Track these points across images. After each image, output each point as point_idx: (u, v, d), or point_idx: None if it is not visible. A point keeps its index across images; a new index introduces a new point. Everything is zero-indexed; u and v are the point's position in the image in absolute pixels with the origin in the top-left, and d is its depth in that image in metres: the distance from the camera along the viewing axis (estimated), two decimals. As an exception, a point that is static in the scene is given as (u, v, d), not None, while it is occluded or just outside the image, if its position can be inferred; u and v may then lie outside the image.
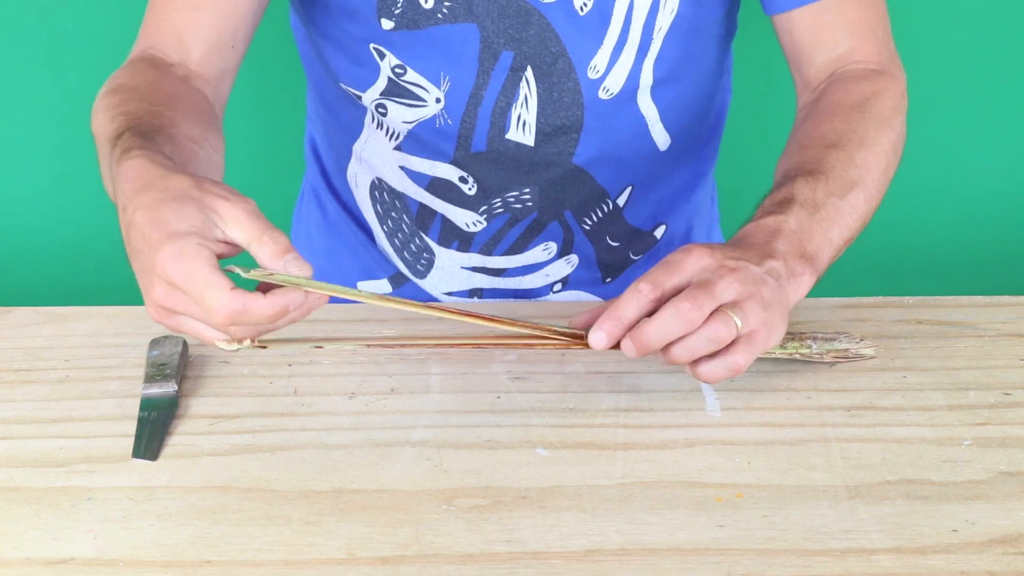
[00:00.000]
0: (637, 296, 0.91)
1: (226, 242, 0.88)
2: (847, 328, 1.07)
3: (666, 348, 0.91)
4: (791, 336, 1.01)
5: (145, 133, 0.98)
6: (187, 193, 0.88)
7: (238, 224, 0.87)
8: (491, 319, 0.92)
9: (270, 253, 0.87)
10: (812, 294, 1.16)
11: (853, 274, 1.87)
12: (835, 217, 1.03)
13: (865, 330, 1.08)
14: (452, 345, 0.90)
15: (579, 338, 0.94)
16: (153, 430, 0.94)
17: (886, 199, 1.88)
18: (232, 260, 0.87)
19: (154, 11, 1.15)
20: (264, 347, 0.82)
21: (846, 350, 1.02)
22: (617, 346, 0.92)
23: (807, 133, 1.12)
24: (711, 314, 0.90)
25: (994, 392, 0.98)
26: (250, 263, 0.85)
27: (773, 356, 0.99)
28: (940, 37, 1.79)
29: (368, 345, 0.84)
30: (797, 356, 1.00)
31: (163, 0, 1.14)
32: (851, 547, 0.80)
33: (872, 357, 1.02)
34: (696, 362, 0.92)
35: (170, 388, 0.98)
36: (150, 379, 0.99)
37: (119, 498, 0.86)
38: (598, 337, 0.91)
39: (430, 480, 0.88)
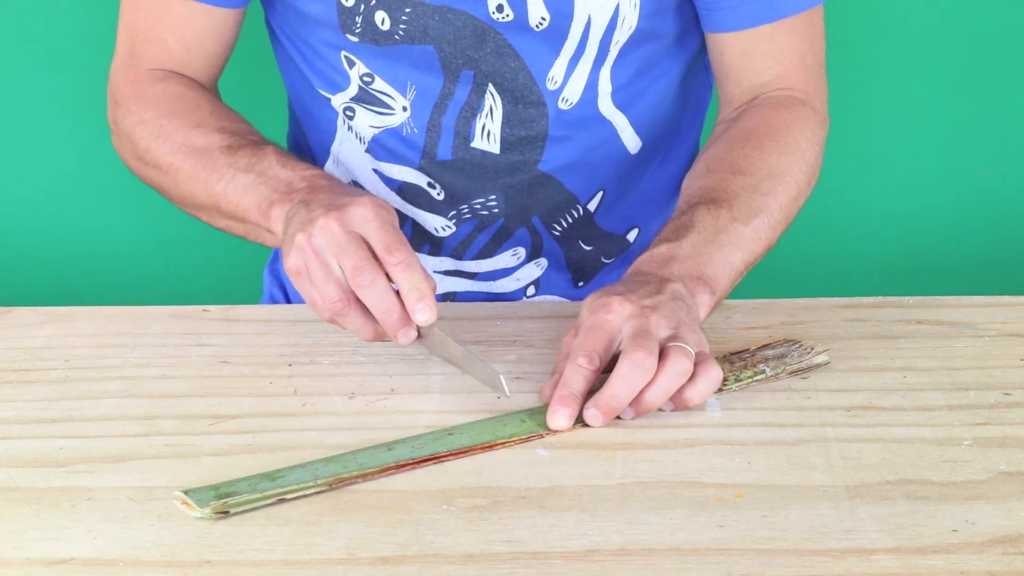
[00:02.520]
0: (580, 371, 0.94)
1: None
2: (847, 328, 1.07)
3: (635, 400, 0.93)
4: (744, 364, 1.01)
5: (286, 153, 1.10)
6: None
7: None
8: (457, 453, 0.90)
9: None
10: (812, 294, 1.16)
11: (853, 274, 1.88)
12: (738, 242, 1.06)
13: (865, 330, 1.08)
14: (416, 462, 0.90)
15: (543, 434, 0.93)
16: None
17: (887, 198, 1.89)
18: None
19: (141, 43, 1.20)
20: (227, 513, 0.83)
21: (799, 363, 1.01)
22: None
23: (717, 157, 1.14)
24: (663, 354, 0.93)
25: (994, 392, 0.98)
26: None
27: (731, 390, 0.98)
28: (939, 36, 1.79)
29: (331, 485, 0.86)
30: (753, 384, 1.00)
31: (150, 37, 1.20)
32: (851, 547, 0.80)
33: (827, 363, 1.02)
34: (677, 394, 0.94)
35: None
36: None
37: (119, 498, 0.86)
38: (560, 416, 0.93)
39: (430, 480, 0.88)
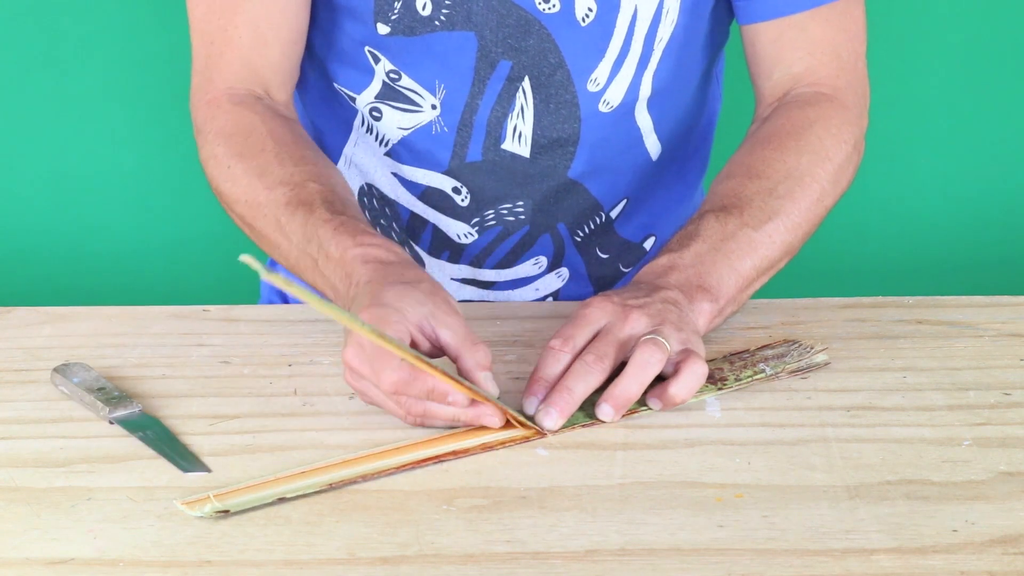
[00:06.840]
0: (551, 353, 0.95)
1: (433, 340, 0.93)
2: (847, 328, 1.07)
3: (608, 396, 0.94)
4: (744, 364, 1.01)
5: (339, 208, 1.04)
6: (421, 283, 0.95)
7: (451, 329, 0.93)
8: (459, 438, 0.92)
9: (473, 363, 0.92)
10: (812, 294, 1.16)
11: (853, 274, 1.88)
12: (747, 248, 1.05)
13: (865, 330, 1.08)
14: (416, 462, 0.90)
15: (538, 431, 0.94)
16: (170, 445, 0.92)
17: (888, 199, 1.88)
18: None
19: (218, 49, 1.16)
20: (227, 512, 0.83)
21: (799, 362, 1.01)
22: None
23: (738, 161, 1.14)
24: (637, 346, 0.94)
25: (994, 392, 0.98)
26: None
27: (731, 390, 0.98)
28: (939, 37, 1.79)
29: (331, 485, 0.86)
30: (753, 383, 0.99)
31: (225, 38, 1.15)
32: (851, 547, 0.80)
33: (827, 363, 1.02)
34: (662, 389, 0.94)
35: (135, 408, 0.96)
36: (108, 403, 0.96)
37: (119, 498, 0.86)
38: (530, 402, 0.94)
39: (430, 480, 0.88)
